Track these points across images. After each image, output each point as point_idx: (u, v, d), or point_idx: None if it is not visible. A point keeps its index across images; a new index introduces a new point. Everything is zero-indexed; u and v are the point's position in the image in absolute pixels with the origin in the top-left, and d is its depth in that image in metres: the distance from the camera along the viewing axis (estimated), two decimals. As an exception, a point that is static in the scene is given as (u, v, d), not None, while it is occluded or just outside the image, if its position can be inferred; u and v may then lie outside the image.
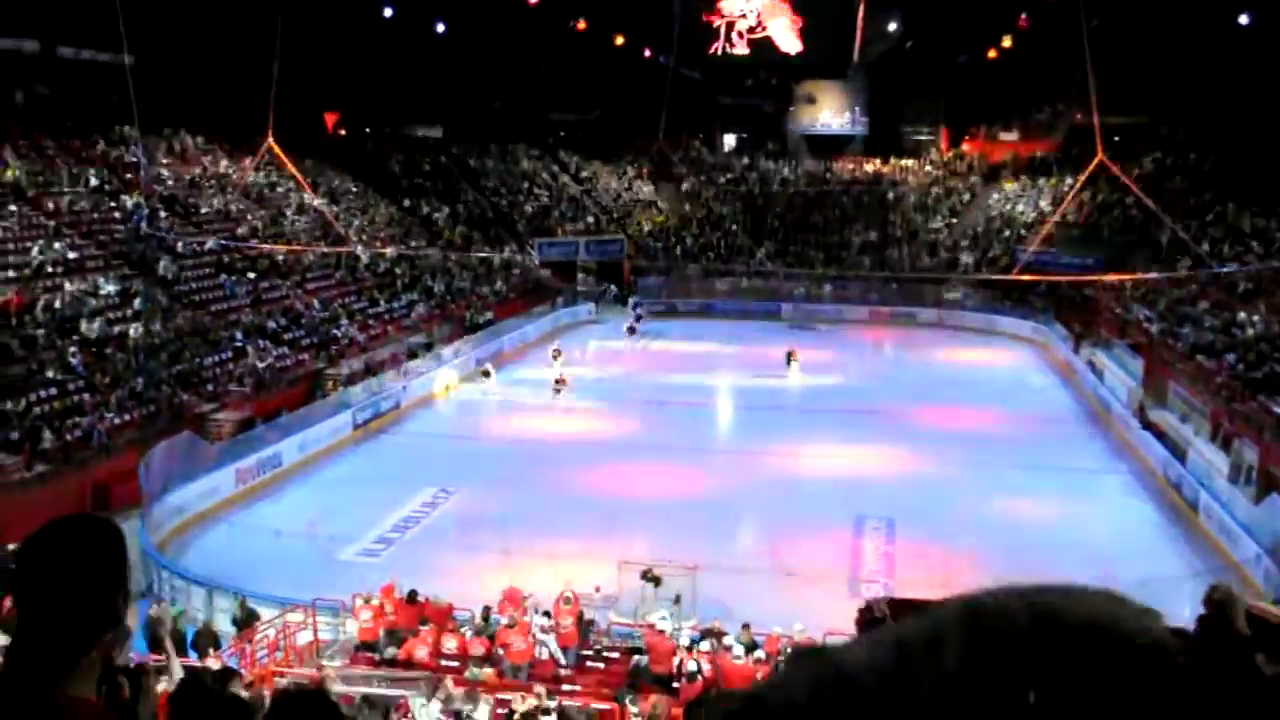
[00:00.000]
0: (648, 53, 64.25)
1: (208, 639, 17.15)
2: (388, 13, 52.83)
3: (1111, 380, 37.39)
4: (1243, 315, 35.53)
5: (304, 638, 18.55)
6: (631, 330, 47.55)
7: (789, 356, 40.87)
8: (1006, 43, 58.25)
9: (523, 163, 65.29)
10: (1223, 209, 47.09)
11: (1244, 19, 47.50)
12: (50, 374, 27.41)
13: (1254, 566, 21.94)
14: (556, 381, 37.40)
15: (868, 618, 2.28)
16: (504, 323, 47.32)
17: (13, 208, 34.44)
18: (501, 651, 16.93)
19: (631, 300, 53.18)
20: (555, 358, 39.72)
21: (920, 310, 53.80)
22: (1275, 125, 48.87)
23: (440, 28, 56.84)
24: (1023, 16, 53.27)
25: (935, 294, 54.56)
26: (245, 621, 18.28)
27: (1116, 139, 50.23)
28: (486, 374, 39.05)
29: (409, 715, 14.31)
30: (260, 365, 33.52)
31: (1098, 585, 0.97)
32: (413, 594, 18.30)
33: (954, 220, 60.89)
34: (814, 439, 32.27)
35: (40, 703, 1.81)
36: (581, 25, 57.25)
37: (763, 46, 62.37)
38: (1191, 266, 41.65)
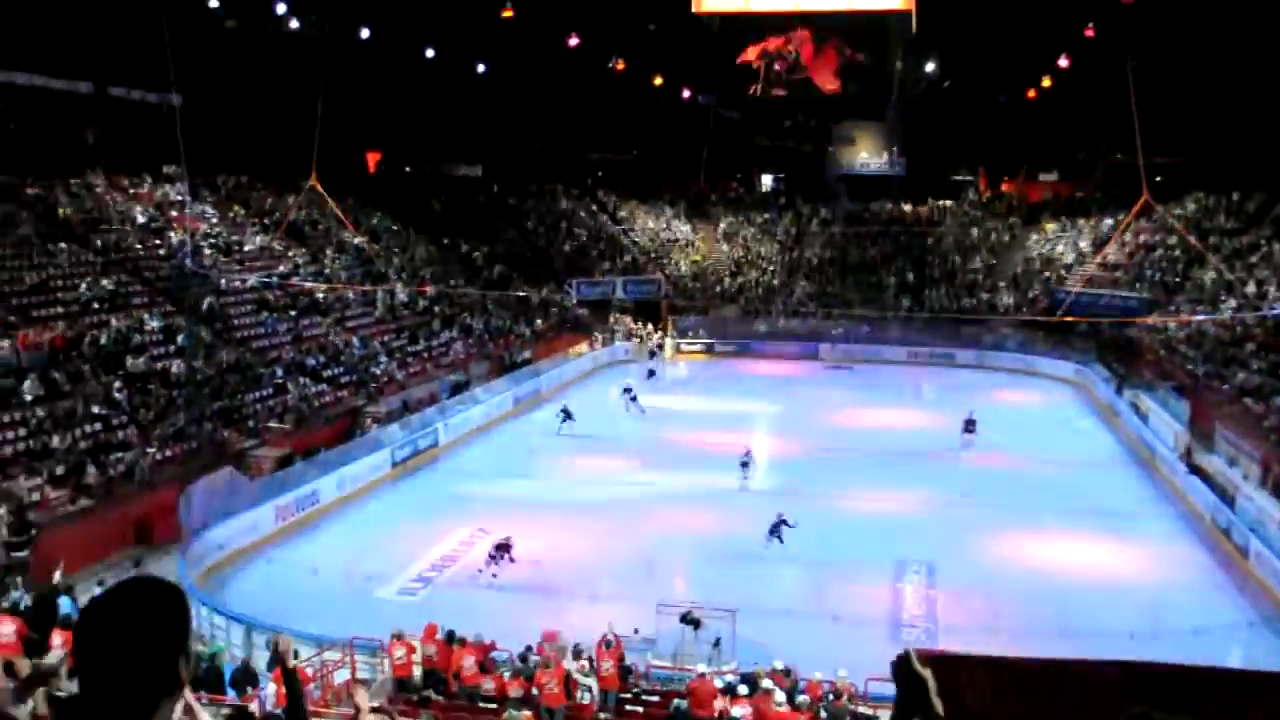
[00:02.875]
0: (686, 94, 64.65)
1: (246, 677, 17.10)
2: (430, 54, 53.47)
3: (1156, 423, 36.83)
4: (1291, 358, 34.99)
5: (341, 676, 18.45)
6: (651, 373, 46.97)
7: (969, 425, 36.83)
8: (1045, 83, 58.07)
9: (561, 202, 65.64)
10: (1268, 249, 46.54)
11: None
12: (95, 409, 27.69)
13: (1308, 615, 21.44)
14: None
15: (902, 668, 2.21)
16: (542, 361, 47.40)
17: (63, 245, 34.98)
18: (537, 693, 16.78)
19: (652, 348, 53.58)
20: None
21: (959, 351, 53.40)
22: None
23: (481, 68, 57.47)
24: (1063, 57, 53.10)
25: (974, 335, 54.15)
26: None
27: (1158, 179, 49.88)
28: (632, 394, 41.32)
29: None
30: (300, 402, 33.73)
31: None
32: (451, 635, 18.18)
33: (993, 261, 60.53)
34: (853, 481, 31.99)
35: None
36: (620, 66, 57.67)
37: (801, 87, 62.52)
38: (1237, 308, 41.14)
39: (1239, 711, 2.07)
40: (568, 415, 37.51)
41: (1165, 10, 43.81)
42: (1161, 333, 45.32)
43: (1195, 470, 31.14)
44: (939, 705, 2.18)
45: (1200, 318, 41.99)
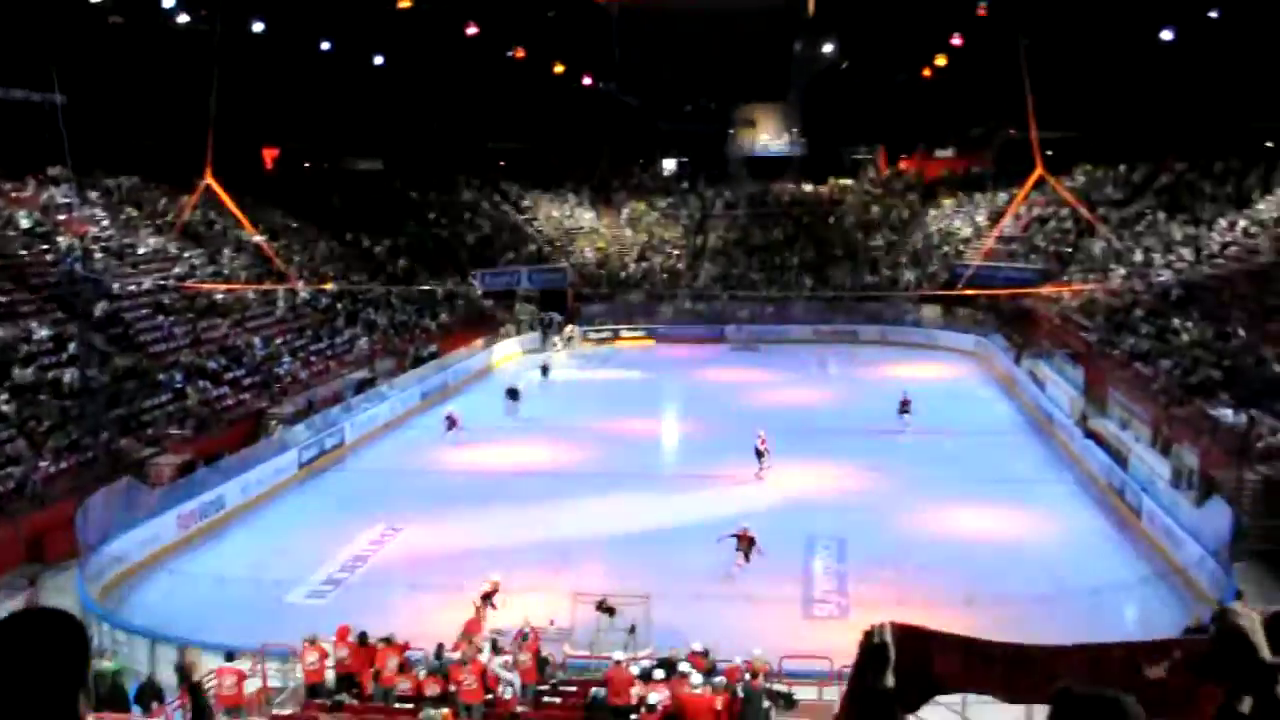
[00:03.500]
0: (587, 81, 64.46)
1: (152, 693, 16.73)
2: (325, 46, 52.48)
3: (1053, 390, 37.86)
4: (1177, 322, 36.17)
5: (252, 685, 18.15)
6: (545, 370, 45.69)
7: (904, 405, 35.83)
8: (940, 62, 59.06)
9: (463, 193, 65.05)
10: (1153, 219, 48.01)
11: (1167, 34, 48.58)
12: (-18, 423, 26.77)
13: (1198, 570, 22.22)
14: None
15: (871, 644, 2.27)
16: (449, 355, 46.98)
17: (-59, 254, 33.73)
18: (455, 689, 16.70)
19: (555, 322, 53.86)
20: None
21: (863, 327, 54.20)
22: (1199, 136, 50.14)
23: (378, 60, 56.61)
24: (956, 36, 54.04)
25: (877, 311, 55.01)
26: (187, 672, 17.82)
27: (1049, 153, 51.09)
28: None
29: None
30: (201, 407, 32.99)
31: None
32: (363, 636, 17.98)
33: (894, 238, 61.51)
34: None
35: None
36: (520, 54, 57.26)
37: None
38: (1126, 276, 42.42)
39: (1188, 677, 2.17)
40: (452, 423, 35.81)
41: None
42: (1056, 302, 46.52)
43: (1090, 434, 32.10)
44: (890, 680, 2.24)
45: (1091, 286, 43.18)
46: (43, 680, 1.80)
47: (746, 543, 23.43)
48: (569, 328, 53.95)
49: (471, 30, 50.72)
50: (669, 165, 75.38)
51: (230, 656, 17.52)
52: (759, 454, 30.80)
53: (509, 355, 51.17)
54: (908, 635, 2.36)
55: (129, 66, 46.21)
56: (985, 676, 2.40)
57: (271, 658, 18.51)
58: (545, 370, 45.30)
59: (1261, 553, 22.70)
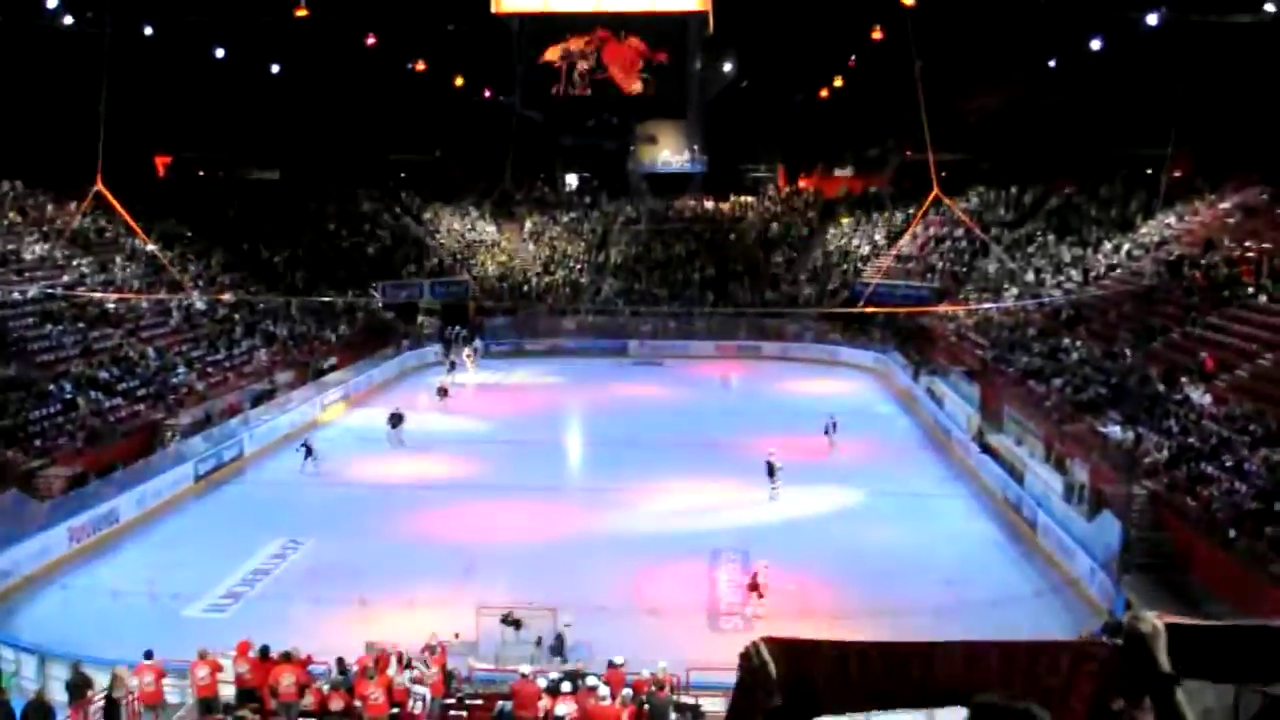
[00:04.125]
0: (488, 94, 64.25)
1: (40, 711, 16.12)
2: (220, 53, 51.32)
3: (950, 407, 38.75)
4: (1067, 341, 37.35)
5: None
6: (443, 391, 43.11)
7: (833, 427, 35.63)
8: (838, 82, 60.21)
9: (363, 205, 64.13)
10: (1043, 240, 49.54)
11: (1052, 63, 50.29)
12: None
13: (1089, 580, 22.97)
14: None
15: (751, 665, 2.24)
16: (349, 367, 46.26)
17: None
18: (360, 704, 16.44)
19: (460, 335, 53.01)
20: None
21: (764, 344, 54.80)
22: (1086, 161, 51.98)
23: (275, 69, 55.62)
24: (851, 58, 55.19)
25: (778, 327, 55.66)
26: (79, 689, 17.25)
27: (944, 174, 52.35)
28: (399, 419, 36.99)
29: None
30: (93, 418, 31.95)
31: None
32: (265, 650, 17.61)
33: (794, 255, 62.34)
34: (666, 475, 32.39)
35: None
36: (421, 66, 56.84)
37: (604, 87, 63.10)
38: (1018, 295, 43.66)
39: (1070, 677, 2.22)
40: (309, 451, 33.76)
41: (946, 13, 45.99)
42: (952, 320, 47.65)
43: (987, 450, 32.92)
44: (779, 698, 2.24)
45: (986, 306, 44.34)
46: None
47: (754, 584, 22.51)
48: (469, 348, 52.75)
49: (371, 41, 50.22)
50: (571, 180, 75.45)
51: (149, 655, 17.10)
52: (771, 471, 29.90)
53: (334, 410, 42.31)
54: (784, 650, 2.35)
55: (10, 69, 44.66)
56: (862, 686, 2.39)
57: (168, 672, 17.98)
58: (443, 392, 43.18)
59: (1148, 565, 23.51)
